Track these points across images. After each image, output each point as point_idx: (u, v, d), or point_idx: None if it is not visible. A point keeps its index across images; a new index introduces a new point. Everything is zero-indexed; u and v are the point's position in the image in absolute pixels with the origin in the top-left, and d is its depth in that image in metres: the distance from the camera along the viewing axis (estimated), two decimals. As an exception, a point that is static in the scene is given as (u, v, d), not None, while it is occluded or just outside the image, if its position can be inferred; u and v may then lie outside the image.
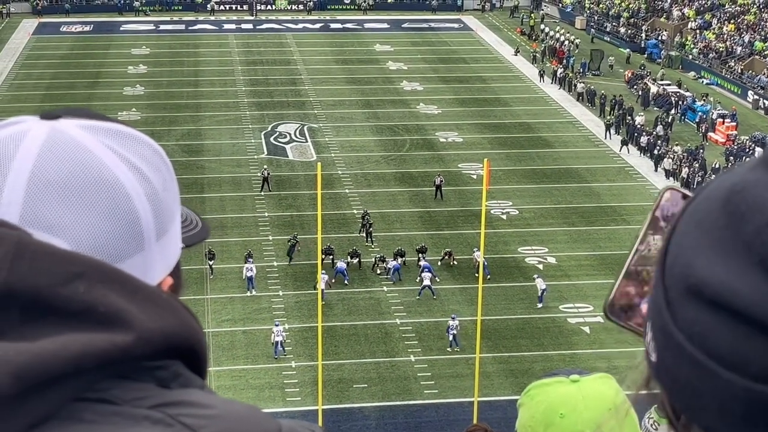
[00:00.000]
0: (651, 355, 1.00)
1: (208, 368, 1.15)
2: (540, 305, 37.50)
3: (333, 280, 38.32)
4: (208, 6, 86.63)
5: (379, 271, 39.75)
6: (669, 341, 0.95)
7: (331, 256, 39.32)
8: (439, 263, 40.14)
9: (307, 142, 54.85)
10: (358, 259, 39.95)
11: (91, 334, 1.03)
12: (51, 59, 70.22)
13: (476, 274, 35.21)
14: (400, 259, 39.61)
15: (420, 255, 39.77)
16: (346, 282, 38.69)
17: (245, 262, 38.68)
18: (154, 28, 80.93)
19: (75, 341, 1.01)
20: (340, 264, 39.04)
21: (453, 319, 34.82)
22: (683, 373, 0.94)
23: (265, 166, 48.99)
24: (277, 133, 56.09)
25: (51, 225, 1.13)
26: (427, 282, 37.90)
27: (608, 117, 57.21)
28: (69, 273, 1.05)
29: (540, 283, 37.70)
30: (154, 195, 1.22)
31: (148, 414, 1.03)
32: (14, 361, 0.97)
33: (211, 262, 39.00)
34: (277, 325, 34.27)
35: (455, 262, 40.18)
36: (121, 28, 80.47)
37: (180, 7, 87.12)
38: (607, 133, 55.62)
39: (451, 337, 34.60)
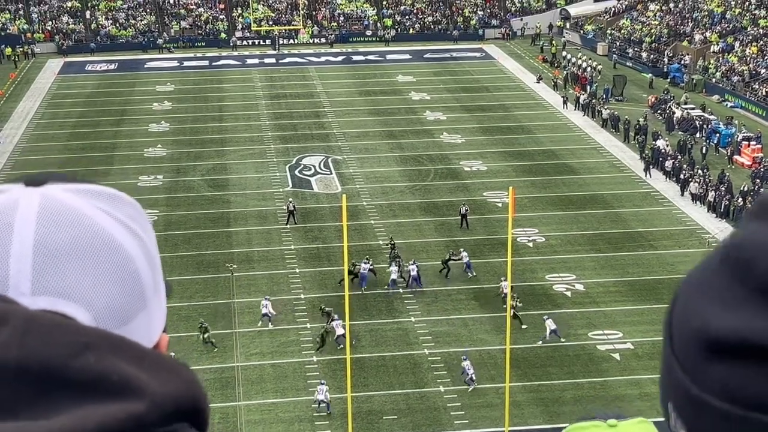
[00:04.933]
0: None
1: (209, 425, 1.16)
2: (540, 342, 36.81)
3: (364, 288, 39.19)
4: (231, 42, 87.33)
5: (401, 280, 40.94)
6: (698, 409, 0.92)
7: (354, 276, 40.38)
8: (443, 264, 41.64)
9: (331, 174, 55.01)
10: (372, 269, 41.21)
11: (106, 404, 1.02)
12: (77, 98, 70.93)
13: (504, 305, 35.09)
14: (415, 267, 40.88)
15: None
16: (363, 288, 40.06)
17: (263, 299, 38.50)
18: (178, 64, 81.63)
19: (92, 415, 1.00)
20: (364, 267, 40.66)
21: (464, 359, 34.23)
22: None
23: (291, 199, 49.15)
24: (302, 165, 56.30)
25: (65, 292, 1.13)
26: (394, 276, 40.18)
27: (646, 154, 54.84)
28: (78, 344, 1.04)
29: (550, 324, 37.02)
30: (148, 252, 1.24)
31: None
32: None
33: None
34: (322, 383, 32.99)
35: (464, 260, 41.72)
36: (146, 66, 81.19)
37: (203, 44, 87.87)
38: (647, 173, 53.69)
39: (468, 378, 33.82)
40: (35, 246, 1.13)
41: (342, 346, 35.39)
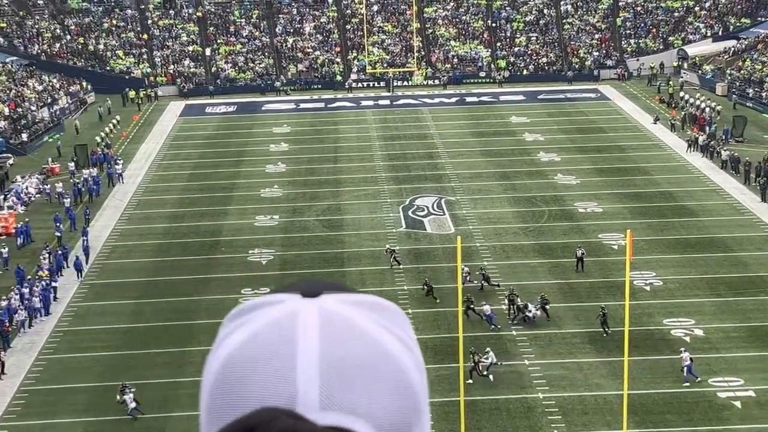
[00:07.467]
0: None
1: None
2: (685, 383, 36.11)
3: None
4: (347, 84, 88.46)
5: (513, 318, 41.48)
6: None
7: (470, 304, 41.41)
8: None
9: (444, 215, 54.99)
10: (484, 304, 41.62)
11: None
12: (197, 139, 72.73)
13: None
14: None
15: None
16: (492, 327, 40.62)
17: None
18: (294, 106, 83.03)
19: None
20: (486, 308, 41.17)
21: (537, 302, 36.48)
22: None
23: (388, 245, 48.70)
24: (415, 206, 56.45)
25: (351, 408, 1.13)
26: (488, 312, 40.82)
27: None
28: None
29: (686, 357, 36.30)
30: (418, 364, 1.24)
31: None
32: None
33: None
34: None
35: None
36: (263, 108, 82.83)
37: (319, 86, 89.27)
38: None
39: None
40: (321, 360, 1.13)
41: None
